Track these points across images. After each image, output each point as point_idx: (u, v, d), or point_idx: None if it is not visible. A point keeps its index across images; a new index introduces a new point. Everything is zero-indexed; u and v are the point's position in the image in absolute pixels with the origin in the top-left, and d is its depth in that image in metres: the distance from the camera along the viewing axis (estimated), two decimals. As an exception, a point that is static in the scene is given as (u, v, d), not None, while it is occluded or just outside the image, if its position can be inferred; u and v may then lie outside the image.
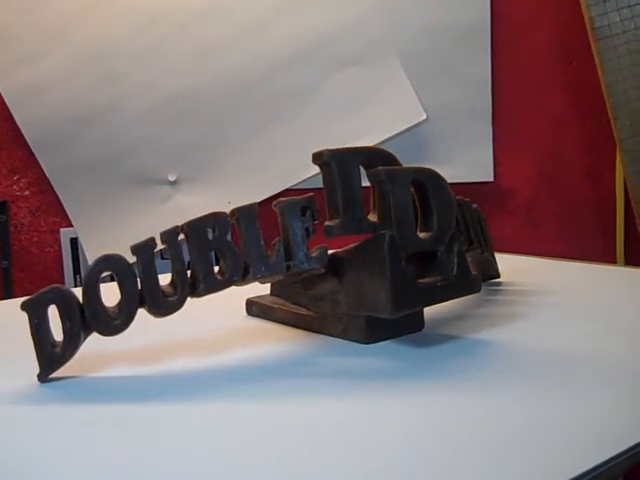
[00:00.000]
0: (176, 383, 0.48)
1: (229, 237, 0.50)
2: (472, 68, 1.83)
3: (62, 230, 2.03)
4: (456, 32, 1.81)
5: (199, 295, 0.49)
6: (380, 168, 0.53)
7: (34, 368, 0.48)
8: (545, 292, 0.76)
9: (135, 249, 0.48)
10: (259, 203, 0.52)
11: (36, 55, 1.92)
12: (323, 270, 0.53)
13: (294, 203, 0.52)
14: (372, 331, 0.56)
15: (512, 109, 1.87)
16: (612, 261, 1.80)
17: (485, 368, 0.49)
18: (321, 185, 0.54)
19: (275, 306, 0.65)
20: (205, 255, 0.49)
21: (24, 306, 0.45)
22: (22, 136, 1.96)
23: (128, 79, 1.91)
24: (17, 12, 1.92)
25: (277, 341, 0.59)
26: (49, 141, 1.96)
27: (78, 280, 2.02)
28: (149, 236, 0.48)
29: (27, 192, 2.05)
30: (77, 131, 1.94)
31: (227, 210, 0.52)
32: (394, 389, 0.45)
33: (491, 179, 1.88)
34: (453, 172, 1.82)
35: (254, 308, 0.69)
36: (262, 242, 0.50)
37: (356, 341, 0.56)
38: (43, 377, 0.48)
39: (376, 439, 0.37)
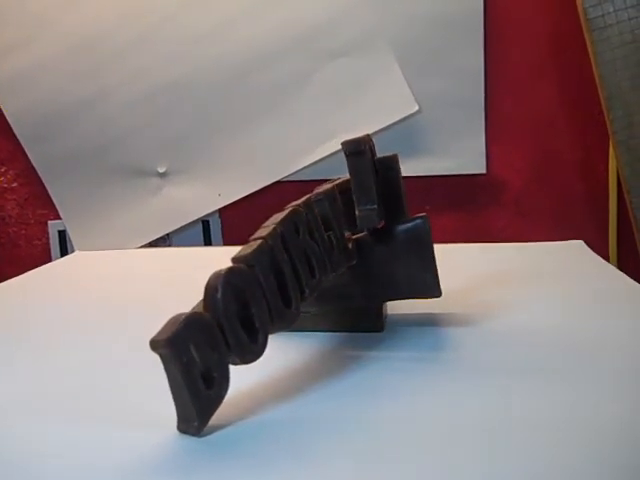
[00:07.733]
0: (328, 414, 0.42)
1: None
2: (465, 60, 1.82)
3: (50, 222, 2.01)
4: (449, 23, 1.80)
5: (305, 300, 0.44)
6: (382, 156, 0.55)
7: (163, 414, 0.39)
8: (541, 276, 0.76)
9: (251, 257, 0.41)
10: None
11: (22, 45, 1.88)
12: (354, 262, 0.52)
13: (331, 194, 0.50)
14: (381, 319, 0.57)
15: (504, 101, 1.86)
16: (605, 253, 1.79)
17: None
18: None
19: None
20: (301, 256, 0.44)
21: (165, 347, 0.36)
22: (10, 127, 1.94)
23: (116, 69, 1.89)
24: (2, 1, 1.89)
25: (291, 348, 0.55)
26: (37, 132, 1.93)
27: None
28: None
29: (15, 184, 2.03)
30: (65, 122, 1.91)
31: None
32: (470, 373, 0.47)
33: (483, 171, 1.87)
34: (445, 164, 1.81)
35: None
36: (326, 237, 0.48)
37: (368, 331, 0.56)
38: (202, 427, 0.38)
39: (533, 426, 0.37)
